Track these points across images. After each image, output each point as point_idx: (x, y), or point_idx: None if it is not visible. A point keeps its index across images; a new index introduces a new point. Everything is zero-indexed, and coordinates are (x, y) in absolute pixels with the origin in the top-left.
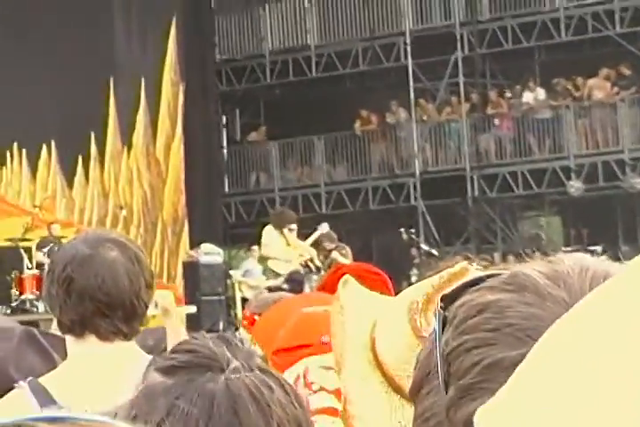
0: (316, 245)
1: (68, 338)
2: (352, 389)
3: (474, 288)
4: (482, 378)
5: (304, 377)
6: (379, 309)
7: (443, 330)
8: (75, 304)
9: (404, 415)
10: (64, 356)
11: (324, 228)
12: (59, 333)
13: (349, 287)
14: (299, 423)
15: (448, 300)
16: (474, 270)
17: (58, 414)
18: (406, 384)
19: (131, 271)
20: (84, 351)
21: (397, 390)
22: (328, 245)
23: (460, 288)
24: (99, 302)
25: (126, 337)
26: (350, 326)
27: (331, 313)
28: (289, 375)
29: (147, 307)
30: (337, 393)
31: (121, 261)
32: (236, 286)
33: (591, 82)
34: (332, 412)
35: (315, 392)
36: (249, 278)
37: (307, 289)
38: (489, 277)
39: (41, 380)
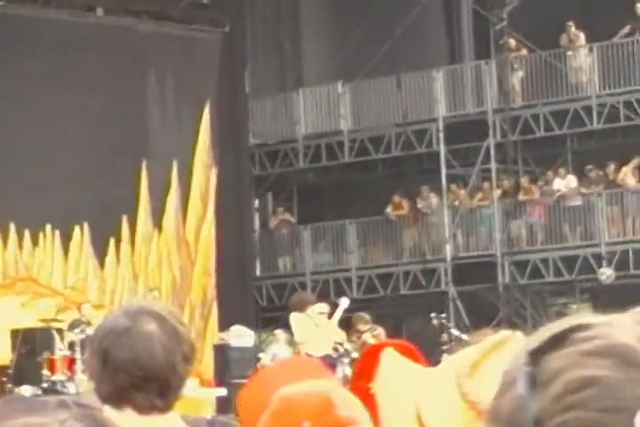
0: (349, 326)
1: (107, 408)
2: None
3: (566, 350)
4: None
5: None
6: (420, 379)
7: (533, 386)
8: (110, 376)
9: None
10: None
11: (344, 302)
12: (95, 404)
13: (390, 359)
14: None
15: (537, 355)
16: (517, 338)
17: None
18: None
19: (167, 346)
20: (121, 423)
21: None
22: (362, 327)
23: (548, 343)
24: (133, 375)
25: (161, 411)
26: (394, 398)
27: (376, 386)
28: None
29: (183, 381)
30: None
31: (158, 335)
32: None
33: (625, 169)
34: None
35: None
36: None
37: (339, 373)
38: (573, 330)
39: None
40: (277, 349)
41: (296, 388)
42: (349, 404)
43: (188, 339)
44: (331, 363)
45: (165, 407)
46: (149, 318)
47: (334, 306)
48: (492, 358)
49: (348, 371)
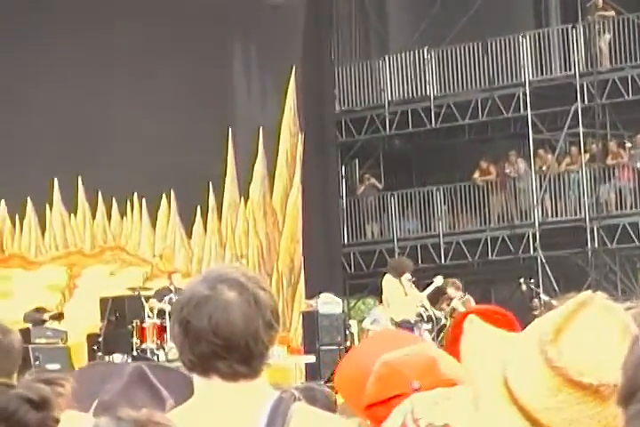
0: (440, 292)
1: (195, 376)
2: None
3: None
4: None
5: (411, 413)
6: (506, 345)
7: None
8: (191, 345)
9: None
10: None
11: (438, 280)
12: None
13: (475, 327)
14: None
15: None
16: (600, 298)
17: None
18: (543, 417)
19: (247, 313)
20: (209, 391)
21: (535, 423)
22: (452, 293)
23: None
24: (214, 344)
25: (247, 377)
26: (480, 365)
27: (460, 352)
28: (397, 415)
29: (267, 347)
30: None
31: (237, 303)
32: (356, 335)
33: None
34: None
35: None
36: (377, 327)
37: None
38: None
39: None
40: (379, 313)
41: (396, 353)
42: (452, 364)
43: (269, 305)
44: (408, 328)
45: (251, 374)
46: (228, 285)
47: (419, 273)
48: (575, 321)
49: (427, 337)
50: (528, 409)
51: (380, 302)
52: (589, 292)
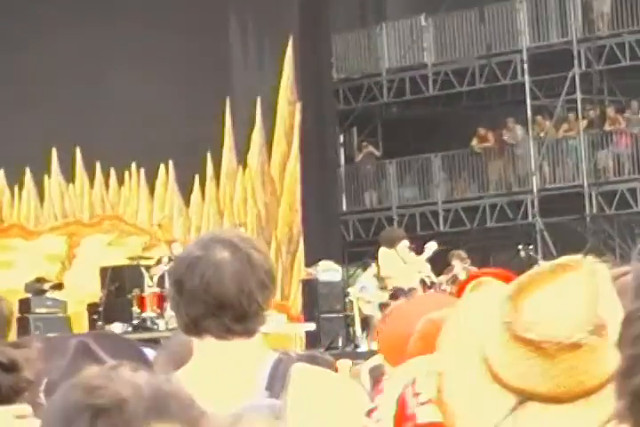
0: (445, 262)
1: (193, 339)
2: (454, 382)
3: None
4: None
5: (412, 386)
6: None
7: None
8: (186, 306)
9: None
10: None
11: (432, 246)
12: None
13: (481, 290)
14: None
15: None
16: (586, 262)
17: None
18: (501, 372)
19: (239, 272)
20: (204, 351)
21: (495, 378)
22: (457, 263)
23: None
24: (207, 303)
25: (242, 335)
26: (465, 328)
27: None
28: (398, 383)
29: (262, 307)
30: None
31: (229, 262)
32: (355, 303)
33: None
34: None
35: (422, 404)
36: (365, 294)
37: None
38: None
39: None
40: (365, 281)
41: (440, 312)
42: None
43: (263, 265)
44: (401, 296)
45: (246, 333)
46: (221, 245)
47: (417, 240)
48: (548, 282)
49: None
50: (489, 364)
51: (365, 269)
52: (567, 256)
